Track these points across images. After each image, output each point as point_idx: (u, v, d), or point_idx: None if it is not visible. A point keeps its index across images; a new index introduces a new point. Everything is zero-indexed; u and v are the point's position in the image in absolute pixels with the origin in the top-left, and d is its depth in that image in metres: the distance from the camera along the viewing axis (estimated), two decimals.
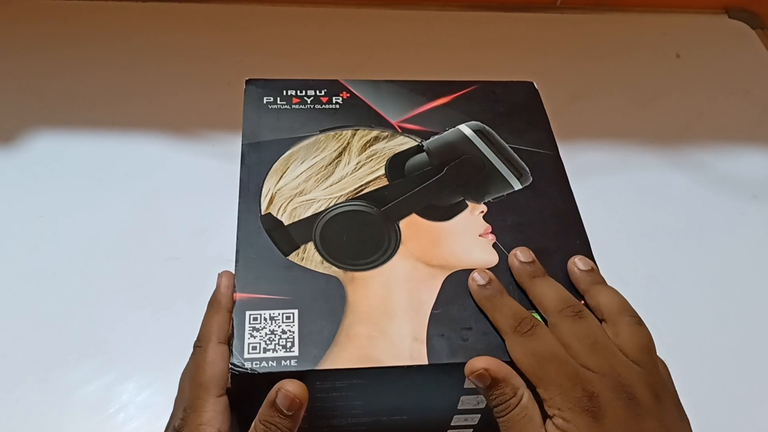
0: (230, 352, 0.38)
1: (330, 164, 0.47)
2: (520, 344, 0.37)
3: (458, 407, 0.42)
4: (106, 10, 0.80)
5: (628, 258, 0.60)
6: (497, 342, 0.39)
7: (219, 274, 0.43)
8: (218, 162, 0.64)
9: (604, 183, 0.66)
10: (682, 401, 0.39)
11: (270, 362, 0.37)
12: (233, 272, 0.41)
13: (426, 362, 0.38)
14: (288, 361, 0.37)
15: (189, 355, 0.41)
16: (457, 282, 0.42)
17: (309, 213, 0.44)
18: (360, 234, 0.43)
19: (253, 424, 0.37)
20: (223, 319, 0.41)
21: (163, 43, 0.77)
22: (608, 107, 0.73)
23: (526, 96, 0.53)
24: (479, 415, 0.43)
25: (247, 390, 0.38)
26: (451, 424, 0.44)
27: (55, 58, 0.74)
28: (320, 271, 0.41)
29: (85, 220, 0.60)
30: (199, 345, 0.41)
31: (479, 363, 0.37)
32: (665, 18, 0.85)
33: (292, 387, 0.36)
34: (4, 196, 0.62)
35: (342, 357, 0.38)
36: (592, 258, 0.43)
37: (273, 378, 0.37)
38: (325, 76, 0.53)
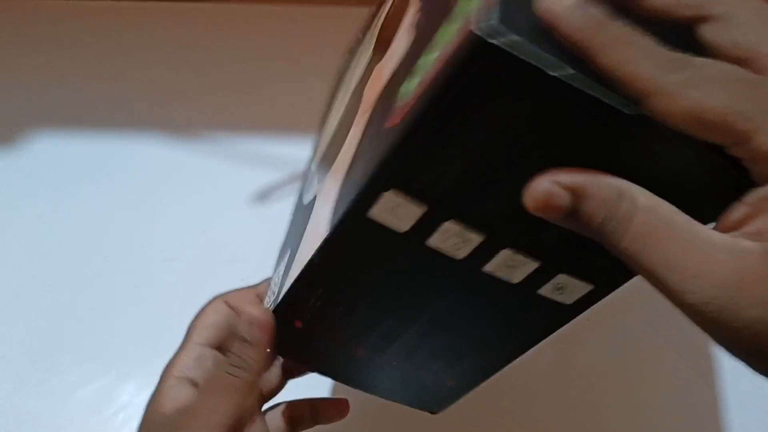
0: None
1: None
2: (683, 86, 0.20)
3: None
4: (106, 10, 0.80)
5: None
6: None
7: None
8: (218, 162, 0.64)
9: None
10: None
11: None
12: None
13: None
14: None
15: None
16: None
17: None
18: None
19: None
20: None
21: (163, 43, 0.77)
22: None
23: None
24: None
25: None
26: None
27: (55, 58, 0.74)
28: None
29: (84, 220, 0.60)
30: (227, 300, 0.38)
31: (541, 185, 0.22)
32: None
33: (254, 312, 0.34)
34: (4, 196, 0.62)
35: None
36: None
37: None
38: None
